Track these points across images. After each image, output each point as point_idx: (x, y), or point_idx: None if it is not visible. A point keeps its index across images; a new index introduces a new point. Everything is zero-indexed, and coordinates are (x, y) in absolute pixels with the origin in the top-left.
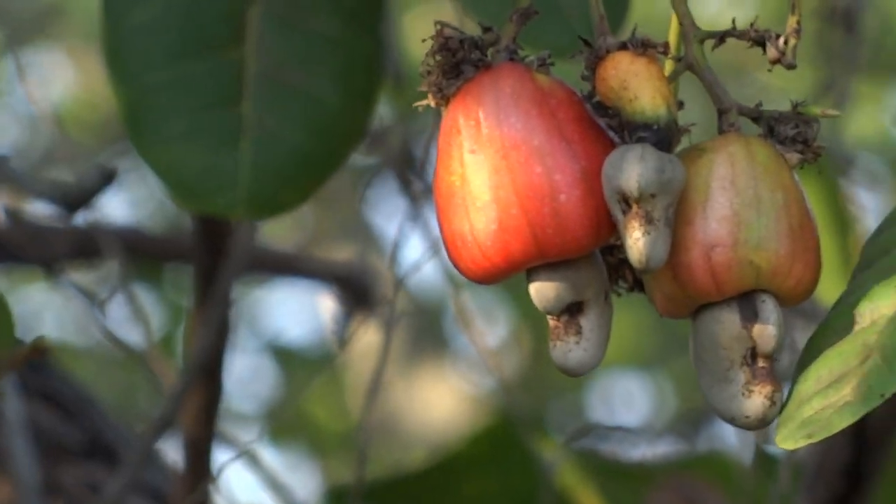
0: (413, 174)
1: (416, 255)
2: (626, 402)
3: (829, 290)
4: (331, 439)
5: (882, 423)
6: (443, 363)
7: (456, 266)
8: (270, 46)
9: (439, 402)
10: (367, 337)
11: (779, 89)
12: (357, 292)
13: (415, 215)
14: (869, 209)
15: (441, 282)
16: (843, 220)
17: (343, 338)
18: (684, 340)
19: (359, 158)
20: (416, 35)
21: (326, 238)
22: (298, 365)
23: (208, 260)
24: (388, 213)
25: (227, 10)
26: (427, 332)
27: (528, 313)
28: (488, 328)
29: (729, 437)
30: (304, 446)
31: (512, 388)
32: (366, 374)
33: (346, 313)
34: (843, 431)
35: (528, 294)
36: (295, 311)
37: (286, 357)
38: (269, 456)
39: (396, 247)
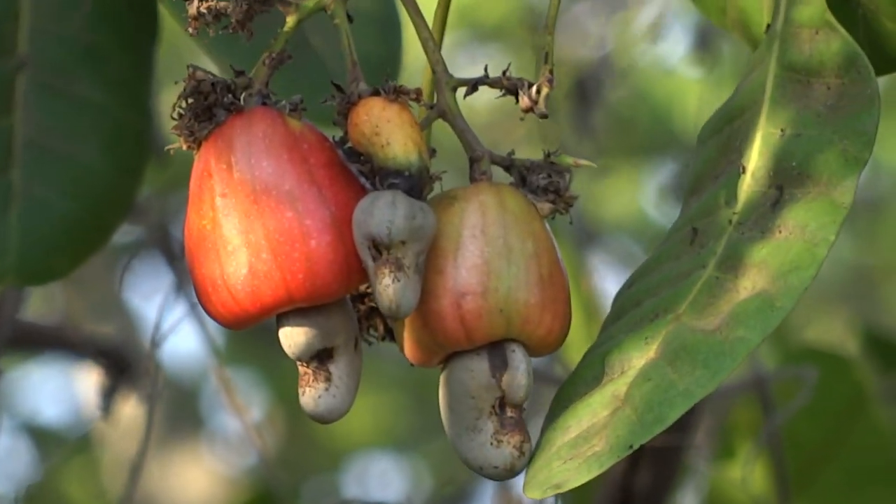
0: (174, 247)
1: (176, 325)
2: (382, 482)
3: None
4: None
5: (646, 500)
6: (198, 443)
7: (207, 311)
8: (39, 113)
9: (195, 483)
10: (128, 412)
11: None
12: (120, 366)
13: (178, 288)
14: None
15: (197, 361)
16: (589, 302)
17: (107, 410)
18: (439, 423)
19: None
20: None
21: (78, 318)
22: (54, 444)
23: None
24: (143, 293)
25: None
26: (182, 412)
27: (282, 394)
28: (246, 406)
29: None
30: None
31: (271, 465)
32: (123, 452)
33: (111, 386)
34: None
35: (281, 372)
36: (51, 390)
37: (42, 436)
38: None
39: (160, 316)
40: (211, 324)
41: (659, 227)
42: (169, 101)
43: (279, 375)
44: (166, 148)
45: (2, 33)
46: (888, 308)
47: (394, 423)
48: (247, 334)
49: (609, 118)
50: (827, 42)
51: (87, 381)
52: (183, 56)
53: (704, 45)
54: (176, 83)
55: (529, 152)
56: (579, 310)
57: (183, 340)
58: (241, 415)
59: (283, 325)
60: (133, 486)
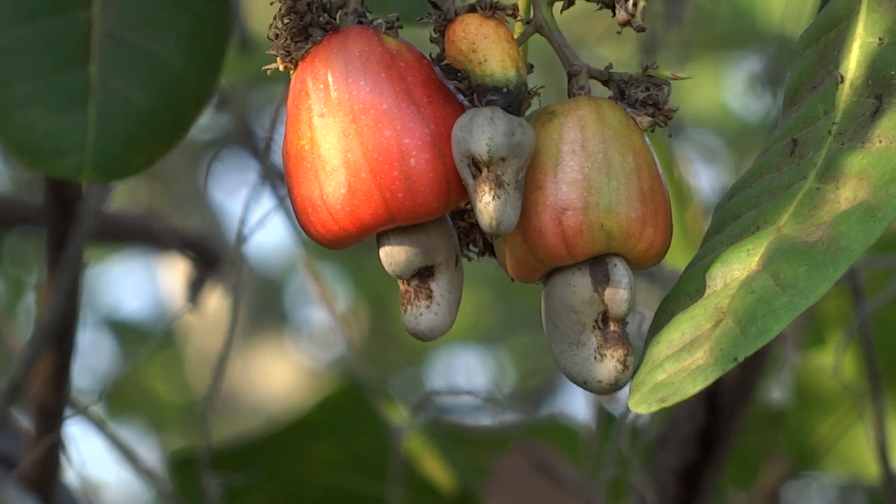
0: (259, 143)
1: (262, 220)
2: (466, 376)
3: (668, 259)
4: (170, 413)
5: (734, 389)
6: (282, 336)
7: (306, 231)
8: (117, 7)
9: (278, 376)
10: (212, 305)
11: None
12: (207, 258)
13: (262, 182)
14: (706, 184)
15: (280, 255)
16: (681, 192)
17: (195, 303)
18: (523, 318)
19: (195, 132)
20: (260, 2)
21: (162, 213)
22: (137, 338)
23: (59, 224)
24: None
25: None
26: (266, 306)
27: (365, 290)
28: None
29: (570, 410)
30: (144, 420)
31: (359, 356)
32: (207, 346)
33: (198, 278)
34: (695, 397)
35: (364, 269)
36: (133, 283)
37: (125, 330)
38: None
39: (246, 210)
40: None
41: (740, 121)
42: None
43: (362, 271)
44: (263, 68)
45: None
46: None
47: (477, 319)
48: None
49: (692, 10)
50: None
51: (169, 274)
52: None
53: None
54: (272, 3)
55: (612, 49)
56: (673, 201)
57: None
58: (330, 305)
59: (383, 244)
60: (218, 380)
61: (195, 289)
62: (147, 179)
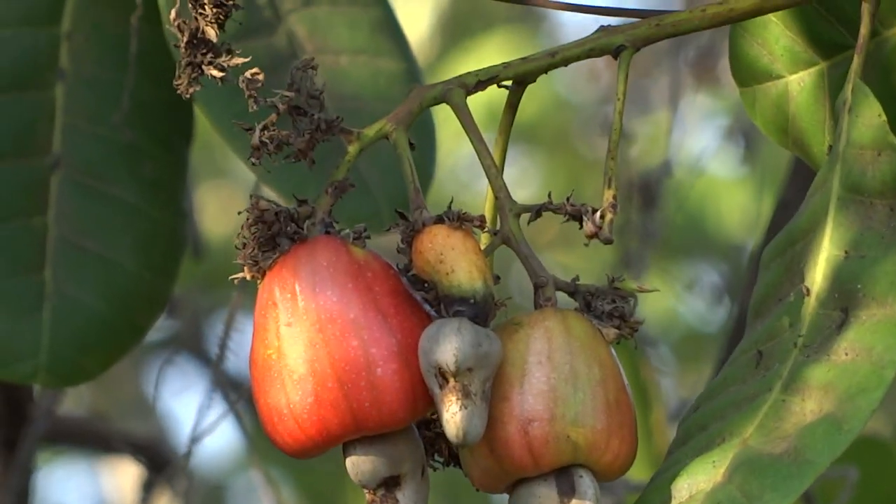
0: (207, 347)
1: (213, 426)
2: None
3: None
4: None
5: None
6: None
7: (273, 440)
8: (72, 213)
9: None
10: None
11: (579, 269)
12: (157, 462)
13: (214, 388)
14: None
15: (223, 459)
16: (646, 394)
17: None
18: None
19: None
20: (210, 207)
21: (105, 415)
22: None
23: (10, 427)
24: (169, 392)
25: (31, 177)
26: None
27: (309, 493)
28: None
29: None
30: None
31: None
32: None
33: (149, 481)
34: None
35: (309, 472)
36: (75, 486)
37: None
38: None
39: (198, 418)
40: (247, 422)
41: (687, 327)
42: (210, 196)
43: (306, 473)
44: (231, 277)
45: (36, 132)
46: None
47: None
48: None
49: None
50: (890, 163)
51: (112, 478)
52: (215, 153)
53: (749, 147)
54: (239, 213)
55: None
56: (638, 403)
57: (210, 438)
58: None
59: (349, 454)
60: None
61: (146, 493)
62: (91, 382)
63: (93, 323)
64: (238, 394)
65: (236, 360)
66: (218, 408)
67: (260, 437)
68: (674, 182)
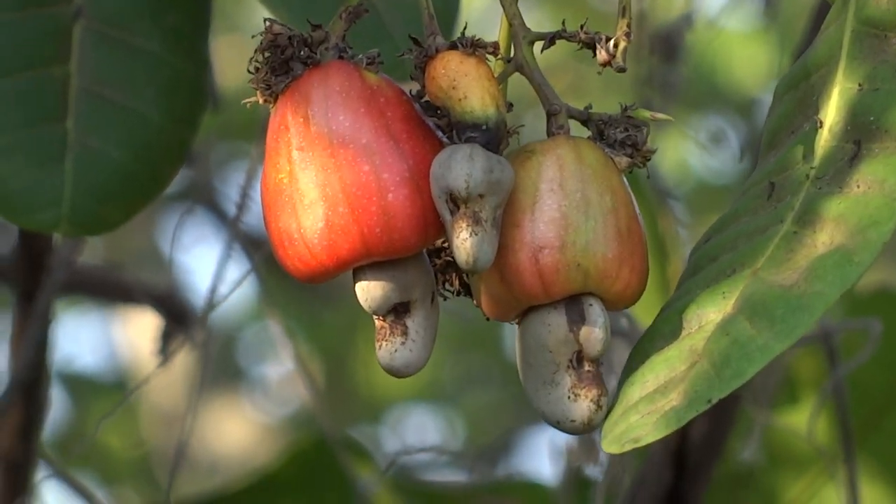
0: (221, 200)
1: (236, 285)
2: (419, 433)
3: (649, 314)
4: (124, 467)
5: (703, 449)
6: (237, 392)
7: (283, 265)
8: (94, 63)
9: (232, 432)
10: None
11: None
12: (176, 314)
13: (232, 242)
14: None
15: (232, 310)
16: (663, 244)
17: (164, 358)
18: (477, 377)
19: None
20: (230, 59)
21: (122, 267)
22: (90, 392)
23: (29, 277)
24: (182, 245)
25: (53, 26)
26: (221, 361)
27: (320, 346)
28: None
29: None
30: (96, 475)
31: (322, 411)
32: (161, 403)
33: (168, 333)
34: (663, 456)
35: (319, 325)
36: (88, 337)
37: (77, 384)
38: (62, 484)
39: (218, 272)
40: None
41: (699, 179)
42: (224, 49)
43: (318, 325)
44: (243, 101)
45: None
46: None
47: (432, 377)
48: (285, 283)
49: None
50: None
51: (126, 328)
52: (227, 5)
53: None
54: (253, 37)
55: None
56: (655, 253)
57: (221, 288)
58: (296, 358)
59: (359, 279)
60: (184, 440)
61: (164, 344)
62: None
63: (115, 173)
64: (255, 248)
65: (253, 216)
66: (236, 263)
67: (276, 290)
68: (693, 35)
